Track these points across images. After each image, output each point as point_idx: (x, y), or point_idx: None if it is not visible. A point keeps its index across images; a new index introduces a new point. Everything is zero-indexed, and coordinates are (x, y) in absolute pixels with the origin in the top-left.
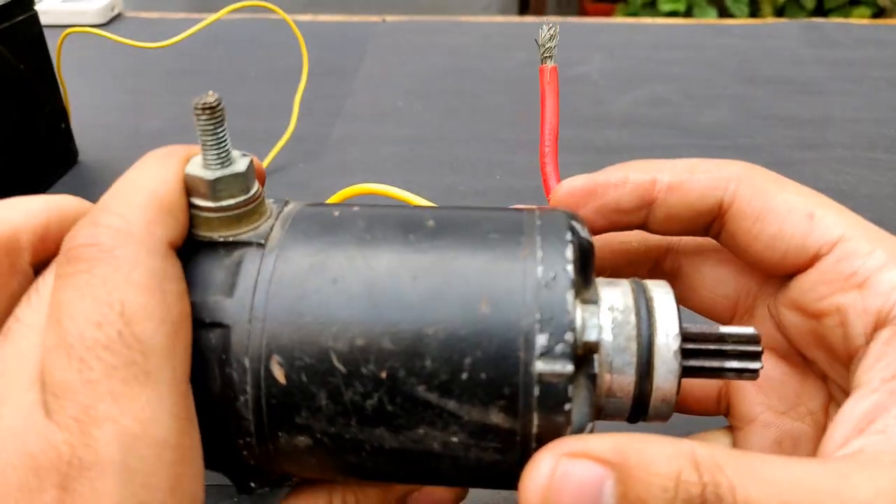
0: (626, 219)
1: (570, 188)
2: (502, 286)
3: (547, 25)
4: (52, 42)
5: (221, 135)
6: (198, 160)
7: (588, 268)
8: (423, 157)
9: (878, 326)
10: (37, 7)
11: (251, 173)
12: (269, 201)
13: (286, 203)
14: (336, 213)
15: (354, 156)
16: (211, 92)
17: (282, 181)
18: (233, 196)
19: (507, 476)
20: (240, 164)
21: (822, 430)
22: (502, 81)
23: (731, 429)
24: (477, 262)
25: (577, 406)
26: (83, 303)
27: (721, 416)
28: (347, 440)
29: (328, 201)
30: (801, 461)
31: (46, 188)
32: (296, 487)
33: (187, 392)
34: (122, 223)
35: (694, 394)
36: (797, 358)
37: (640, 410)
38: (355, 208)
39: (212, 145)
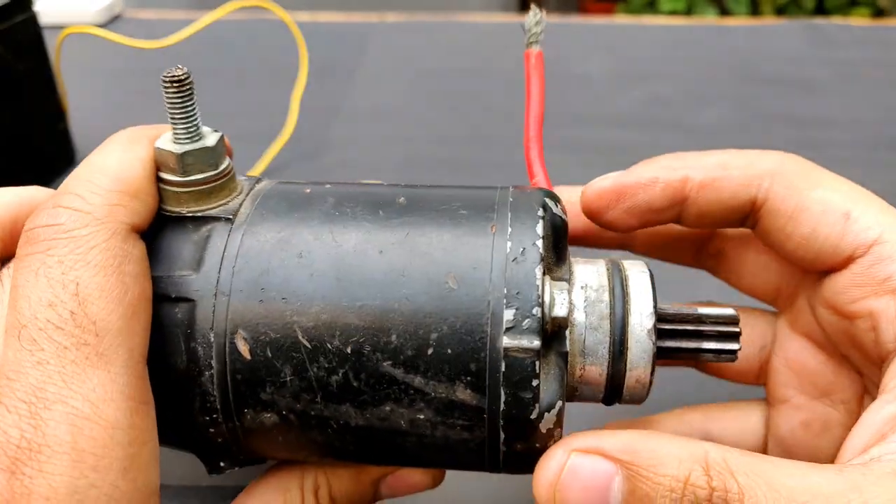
0: (658, 217)
1: (599, 189)
2: (470, 261)
3: (534, 10)
4: (51, 42)
5: (190, 109)
6: (168, 136)
7: (560, 245)
8: (423, 157)
9: None
10: (35, 7)
11: (221, 148)
12: (240, 178)
13: (258, 180)
14: (307, 191)
15: (354, 155)
16: (179, 65)
17: (281, 179)
18: (201, 171)
19: (476, 455)
20: (209, 140)
21: (854, 418)
22: (502, 80)
23: (766, 402)
24: (445, 237)
25: (547, 383)
26: (38, 283)
27: (762, 386)
28: (313, 417)
29: None
30: (815, 468)
31: (45, 183)
32: (268, 470)
33: (143, 373)
34: (82, 204)
35: (735, 366)
36: (834, 349)
37: (614, 392)
38: (327, 185)
39: (180, 119)
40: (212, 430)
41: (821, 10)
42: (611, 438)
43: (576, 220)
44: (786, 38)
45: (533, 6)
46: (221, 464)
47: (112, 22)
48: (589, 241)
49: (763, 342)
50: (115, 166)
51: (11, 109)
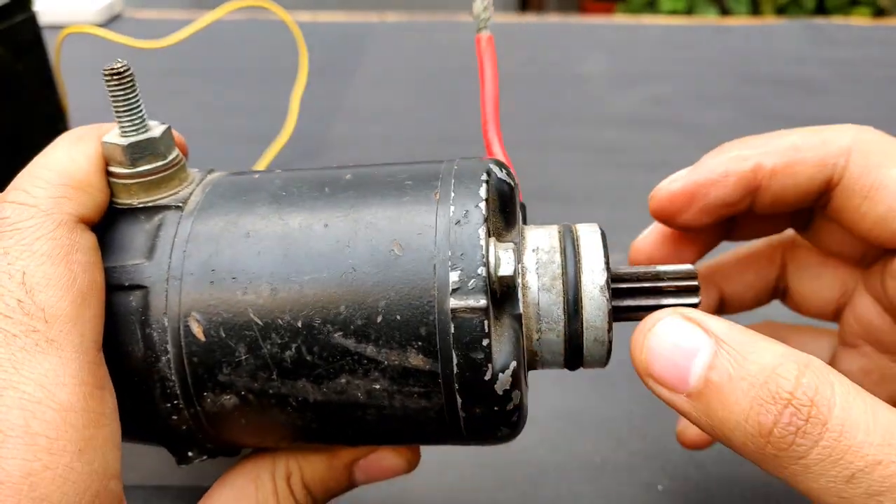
0: (732, 210)
1: (671, 193)
2: (414, 228)
3: None
4: (51, 42)
5: (133, 101)
6: (115, 130)
7: (509, 210)
8: (423, 156)
9: None
10: (35, 7)
11: (167, 139)
12: (192, 170)
13: (210, 171)
14: (256, 176)
15: (353, 155)
16: (119, 59)
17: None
18: (149, 161)
19: (438, 424)
20: (155, 131)
21: None
22: (502, 80)
23: (836, 338)
24: (389, 206)
25: (499, 344)
26: None
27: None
28: (271, 395)
29: None
30: None
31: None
32: (240, 460)
33: (97, 359)
34: (27, 198)
35: (815, 303)
36: None
37: (575, 354)
38: (277, 171)
39: (124, 111)
40: (174, 417)
41: (821, 9)
42: (716, 321)
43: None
44: (786, 38)
45: None
46: (189, 453)
47: (112, 21)
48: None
49: (844, 288)
50: (59, 162)
51: (11, 109)
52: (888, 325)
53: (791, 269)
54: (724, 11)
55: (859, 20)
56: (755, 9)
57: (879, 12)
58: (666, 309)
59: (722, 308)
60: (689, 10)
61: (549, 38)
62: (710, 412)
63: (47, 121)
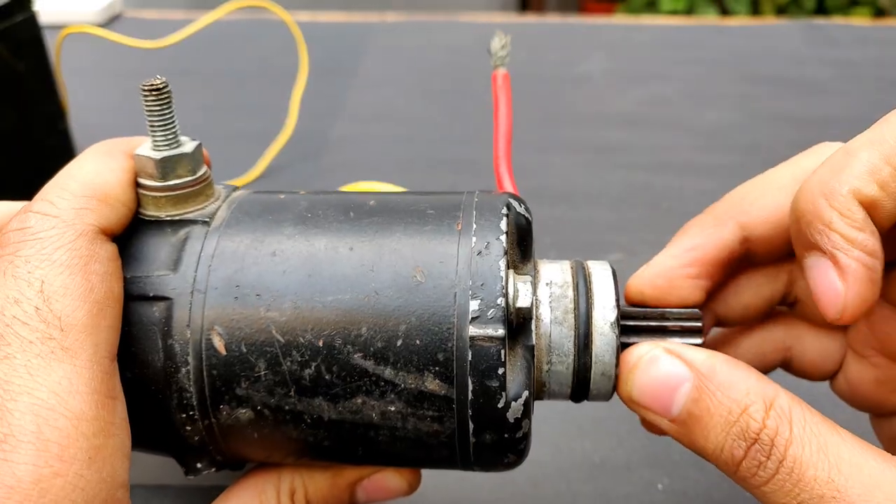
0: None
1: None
2: (436, 256)
3: (499, 35)
4: (51, 41)
5: (168, 116)
6: (147, 143)
7: (525, 244)
8: (423, 157)
9: None
10: (35, 6)
11: (198, 155)
12: (218, 186)
13: (235, 189)
14: (281, 197)
15: (354, 155)
16: (158, 75)
17: (281, 181)
18: (179, 176)
19: (448, 449)
20: (187, 147)
21: None
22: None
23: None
24: (412, 234)
25: (513, 373)
26: (5, 282)
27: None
28: (287, 411)
29: None
30: (880, 456)
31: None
32: (245, 474)
33: (110, 369)
34: (50, 209)
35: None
36: None
37: (581, 386)
38: (301, 192)
39: (159, 126)
40: (188, 428)
41: (821, 10)
42: (698, 353)
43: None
44: (786, 38)
45: (498, 31)
46: (198, 465)
47: (112, 22)
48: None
49: None
50: (85, 174)
51: (11, 109)
52: None
53: (800, 282)
54: (724, 11)
55: (859, 20)
56: (755, 9)
57: (879, 12)
58: (647, 343)
59: (723, 323)
60: (689, 10)
61: (549, 38)
62: (692, 439)
63: (47, 120)
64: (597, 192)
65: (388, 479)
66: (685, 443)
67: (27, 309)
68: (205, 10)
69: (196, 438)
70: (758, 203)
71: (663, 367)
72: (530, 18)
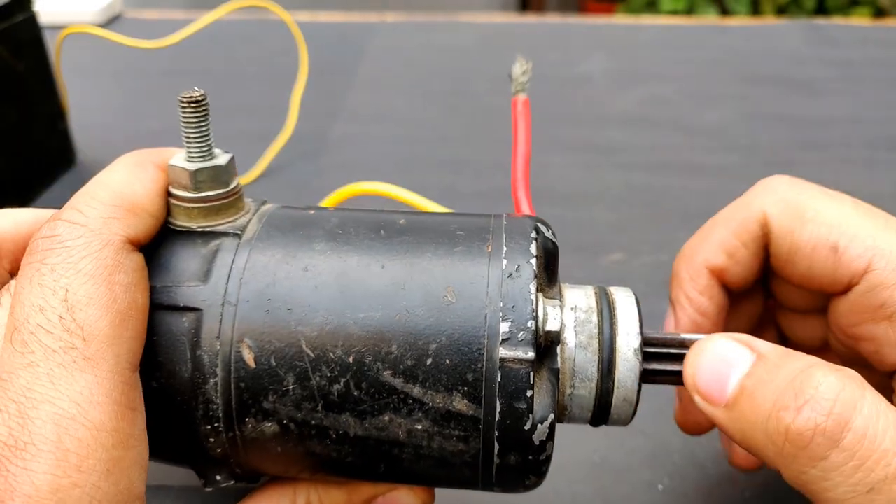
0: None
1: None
2: (467, 276)
3: (520, 62)
4: (51, 42)
5: (204, 128)
6: (181, 154)
7: (552, 268)
8: (423, 157)
9: None
10: (35, 7)
11: (231, 168)
12: (247, 199)
13: (263, 202)
14: (311, 212)
15: (353, 155)
16: (196, 87)
17: (281, 180)
18: (212, 188)
19: (471, 469)
20: (221, 159)
21: None
22: (502, 81)
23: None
24: (443, 254)
25: (540, 396)
26: (31, 289)
27: None
28: (313, 426)
29: (324, 202)
30: None
31: (44, 189)
32: (261, 486)
33: (132, 380)
34: (79, 217)
35: (804, 342)
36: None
37: (602, 411)
38: (329, 209)
39: (195, 138)
40: (212, 439)
41: (821, 10)
42: (763, 343)
43: None
44: (786, 38)
45: (520, 57)
46: (217, 477)
47: (112, 22)
48: None
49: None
50: (115, 183)
51: (11, 109)
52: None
53: (779, 314)
54: (725, 11)
55: (859, 20)
56: (755, 9)
57: (879, 12)
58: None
59: None
60: (690, 10)
61: (549, 38)
62: (740, 418)
63: (47, 120)
64: (597, 193)
65: (403, 497)
66: (736, 433)
67: (51, 317)
68: (205, 10)
69: (218, 451)
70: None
71: (725, 348)
72: (530, 18)
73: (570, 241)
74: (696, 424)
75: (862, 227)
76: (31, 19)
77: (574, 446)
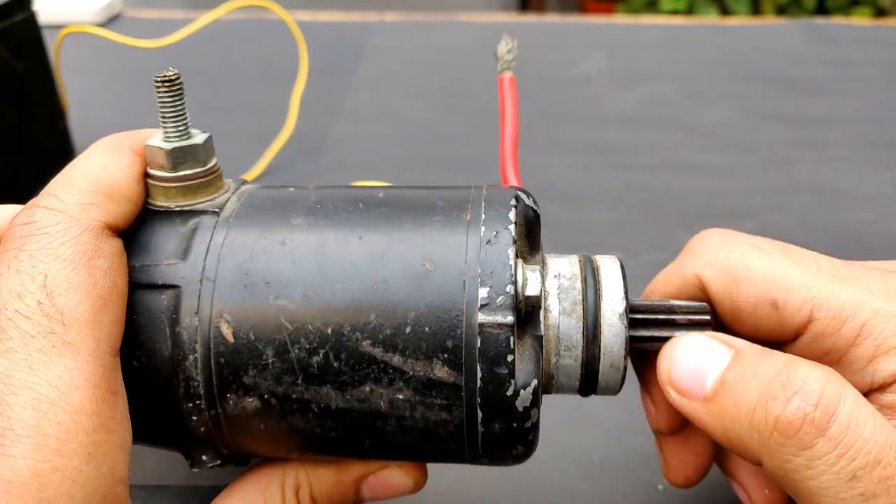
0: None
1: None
2: (445, 245)
3: (506, 40)
4: (51, 41)
5: (179, 108)
6: (159, 135)
7: (533, 236)
8: (423, 157)
9: (868, 394)
10: (35, 6)
11: (209, 147)
12: (227, 180)
13: (243, 182)
14: (291, 190)
15: (353, 155)
16: (171, 67)
17: (280, 180)
18: (190, 167)
19: (456, 440)
20: (197, 138)
21: None
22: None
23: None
24: (422, 224)
25: (522, 362)
26: (9, 276)
27: None
28: (294, 400)
29: None
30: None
31: (44, 183)
32: (248, 470)
33: (112, 363)
34: (57, 204)
35: None
36: None
37: (590, 379)
38: (310, 186)
39: (170, 117)
40: (195, 418)
41: (822, 9)
42: (740, 340)
43: None
44: (786, 38)
45: (505, 36)
46: (203, 457)
47: (111, 21)
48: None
49: None
50: (92, 169)
51: (11, 109)
52: None
53: None
54: (725, 11)
55: (859, 20)
56: (755, 9)
57: (880, 12)
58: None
59: None
60: (690, 10)
61: (549, 38)
62: (721, 411)
63: (47, 120)
64: (596, 193)
65: (394, 475)
66: (715, 426)
67: (29, 303)
68: (204, 10)
69: (202, 429)
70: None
71: (702, 344)
72: (530, 18)
73: (568, 242)
74: (666, 423)
75: (796, 278)
76: (31, 19)
77: (573, 445)
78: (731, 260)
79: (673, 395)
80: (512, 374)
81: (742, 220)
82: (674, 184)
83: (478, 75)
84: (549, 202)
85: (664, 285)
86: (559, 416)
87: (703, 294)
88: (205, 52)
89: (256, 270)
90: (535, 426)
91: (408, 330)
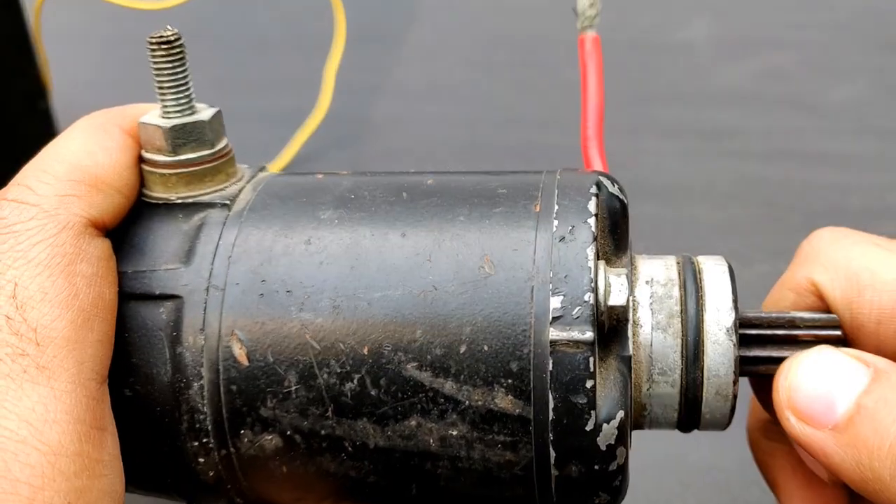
0: None
1: None
2: (509, 242)
3: None
4: (30, 3)
5: (181, 76)
6: (155, 111)
7: (619, 232)
8: (488, 144)
9: None
10: None
11: (217, 124)
12: (241, 165)
13: (262, 168)
14: (318, 177)
15: (402, 142)
16: (168, 26)
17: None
18: (194, 150)
19: (524, 486)
20: (203, 114)
21: None
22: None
23: None
24: (479, 217)
25: (605, 388)
26: None
27: None
28: (323, 437)
29: None
30: None
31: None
32: None
33: (98, 393)
34: (29, 196)
35: None
36: None
37: (692, 408)
38: (342, 172)
39: (170, 88)
40: (201, 459)
41: None
42: (876, 357)
43: None
44: None
45: None
46: None
47: None
48: None
49: None
50: (73, 153)
51: None
52: None
53: None
54: None
55: None
56: None
57: None
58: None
59: None
60: None
61: None
62: (856, 443)
63: (24, 98)
64: (700, 186)
65: None
66: (845, 459)
67: None
68: None
69: (211, 473)
70: None
71: (832, 361)
72: None
73: (666, 246)
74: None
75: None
76: None
77: (671, 494)
78: (850, 263)
79: (792, 423)
80: (592, 405)
81: (881, 220)
82: (796, 176)
83: (556, 43)
84: (640, 198)
85: (775, 302)
86: (651, 456)
87: (823, 305)
88: (218, 14)
89: (275, 276)
90: (623, 469)
91: (462, 349)
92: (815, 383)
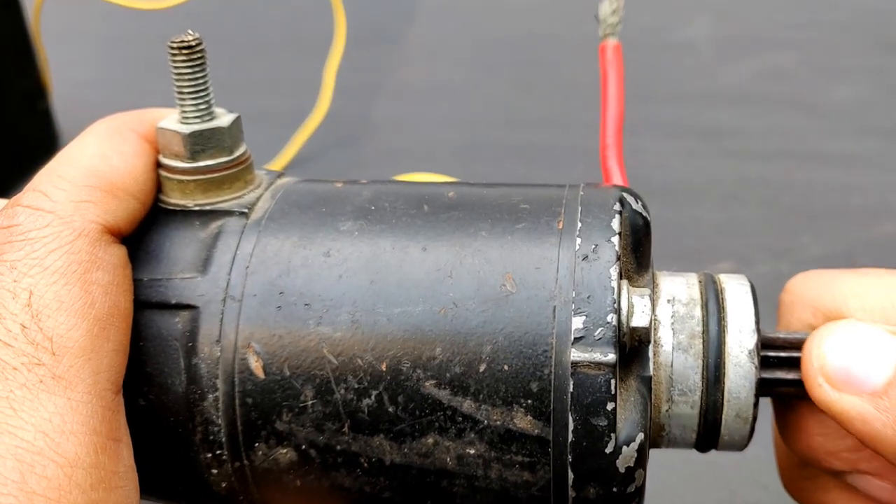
0: None
1: None
2: (531, 260)
3: None
4: (29, 2)
5: (201, 82)
6: (174, 116)
7: (642, 250)
8: (488, 144)
9: None
10: None
11: (237, 131)
12: (259, 171)
13: (280, 175)
14: (338, 185)
15: (402, 142)
16: (190, 30)
17: (312, 172)
18: (213, 156)
19: None
20: (223, 120)
21: None
22: (586, 48)
23: None
24: (502, 232)
25: (625, 410)
26: None
27: None
28: (339, 452)
29: None
30: None
31: (20, 181)
32: None
33: (114, 404)
34: (44, 202)
35: None
36: None
37: (711, 430)
38: (362, 181)
39: (189, 94)
40: (214, 471)
41: None
42: None
43: None
44: None
45: None
46: None
47: None
48: None
49: None
50: (88, 158)
51: None
52: None
53: None
54: None
55: None
56: None
57: None
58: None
59: None
60: None
61: None
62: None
63: (23, 97)
64: (700, 186)
65: None
66: (881, 428)
67: (11, 327)
68: None
69: (223, 485)
70: None
71: (868, 329)
72: None
73: (667, 247)
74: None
75: None
76: None
77: None
78: (834, 294)
79: (826, 390)
80: (612, 427)
81: (882, 221)
82: (796, 176)
83: (557, 42)
84: (643, 198)
85: None
86: (651, 455)
87: None
88: (219, 15)
89: (293, 288)
90: (640, 491)
91: (482, 368)
92: (850, 350)
